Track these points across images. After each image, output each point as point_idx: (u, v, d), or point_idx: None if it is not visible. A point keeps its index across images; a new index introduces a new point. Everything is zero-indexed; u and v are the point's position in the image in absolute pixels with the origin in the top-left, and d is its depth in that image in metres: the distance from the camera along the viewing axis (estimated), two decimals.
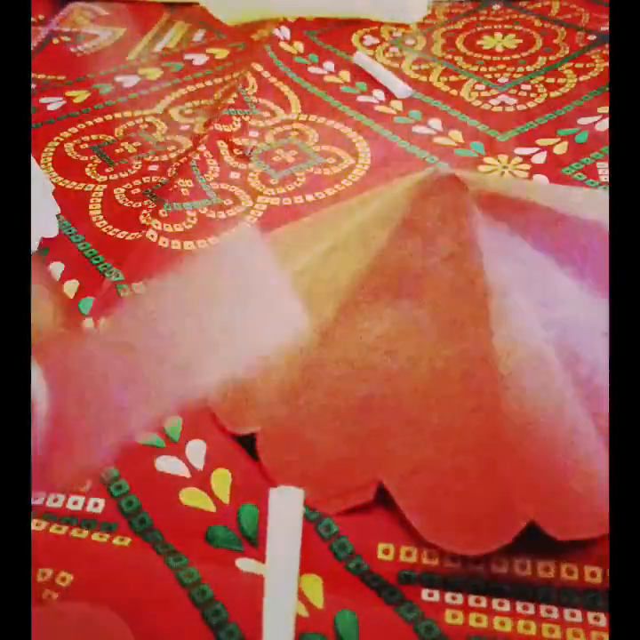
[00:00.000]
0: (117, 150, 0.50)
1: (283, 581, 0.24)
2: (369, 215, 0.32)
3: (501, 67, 0.55)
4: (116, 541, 0.27)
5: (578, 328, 0.29)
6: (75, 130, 0.52)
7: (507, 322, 0.28)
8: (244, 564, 0.26)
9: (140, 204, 0.44)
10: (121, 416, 0.14)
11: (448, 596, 0.25)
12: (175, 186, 0.45)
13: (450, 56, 0.57)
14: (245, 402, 0.31)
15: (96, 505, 0.29)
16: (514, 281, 0.29)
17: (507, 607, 0.25)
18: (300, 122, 0.51)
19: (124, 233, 0.42)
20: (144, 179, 0.47)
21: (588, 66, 0.54)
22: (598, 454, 0.27)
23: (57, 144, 0.51)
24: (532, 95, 0.51)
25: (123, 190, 0.46)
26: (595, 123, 0.48)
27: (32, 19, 0.68)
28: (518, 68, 0.55)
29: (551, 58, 0.56)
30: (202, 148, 0.48)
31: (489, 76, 0.54)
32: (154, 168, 0.48)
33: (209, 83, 0.57)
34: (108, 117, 0.54)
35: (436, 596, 0.25)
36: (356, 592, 0.26)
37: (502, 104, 0.51)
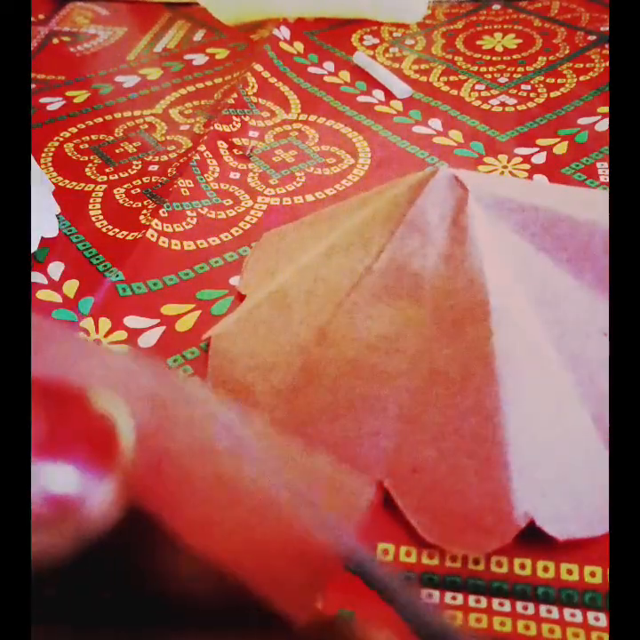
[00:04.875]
0: (117, 150, 0.50)
1: None
2: (369, 215, 0.32)
3: (501, 67, 0.55)
4: None
5: (578, 328, 0.29)
6: (75, 130, 0.52)
7: (507, 322, 0.28)
8: None
9: (139, 204, 0.44)
10: None
11: (448, 596, 0.25)
12: (175, 186, 0.45)
13: (450, 56, 0.57)
14: (245, 402, 0.31)
15: None
16: (514, 281, 0.29)
17: (507, 607, 0.25)
18: (300, 122, 0.51)
19: (124, 233, 0.42)
20: (144, 179, 0.47)
21: (587, 66, 0.54)
22: (598, 454, 0.27)
23: (57, 144, 0.51)
24: (532, 95, 0.52)
25: (123, 190, 0.46)
26: (595, 123, 0.48)
27: (32, 19, 0.68)
28: (518, 68, 0.55)
29: (551, 58, 0.56)
30: (202, 148, 0.48)
31: (489, 76, 0.54)
32: (154, 168, 0.48)
33: (209, 83, 0.57)
34: (108, 117, 0.54)
35: (436, 596, 0.25)
36: (356, 592, 0.26)
37: (502, 104, 0.51)
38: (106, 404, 0.11)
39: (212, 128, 0.49)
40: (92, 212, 0.44)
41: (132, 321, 0.37)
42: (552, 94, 0.51)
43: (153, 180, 0.47)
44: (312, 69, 0.57)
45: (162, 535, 0.11)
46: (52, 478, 0.10)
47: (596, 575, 0.25)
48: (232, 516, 0.11)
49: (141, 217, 0.43)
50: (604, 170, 0.44)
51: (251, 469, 0.12)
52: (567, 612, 0.25)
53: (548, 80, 0.53)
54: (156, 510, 0.11)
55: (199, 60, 0.61)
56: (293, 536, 0.12)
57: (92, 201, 0.45)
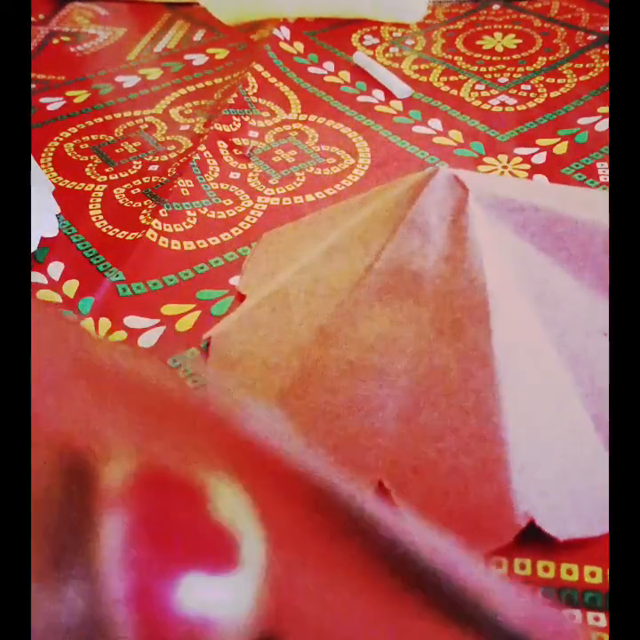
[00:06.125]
0: (117, 150, 0.50)
1: None
2: (369, 215, 0.32)
3: (501, 67, 0.55)
4: None
5: (578, 328, 0.29)
6: (75, 130, 0.52)
7: (507, 322, 0.28)
8: None
9: (140, 204, 0.44)
10: None
11: None
12: (175, 186, 0.45)
13: (450, 56, 0.57)
14: None
15: None
16: (514, 281, 0.29)
17: None
18: (300, 122, 0.51)
19: (124, 233, 0.42)
20: (144, 179, 0.47)
21: (587, 66, 0.54)
22: (598, 454, 0.27)
23: (57, 144, 0.51)
24: (532, 95, 0.52)
25: (123, 190, 0.46)
26: (595, 123, 0.48)
27: (32, 19, 0.68)
28: (518, 68, 0.55)
29: (551, 58, 0.56)
30: (202, 147, 0.48)
31: (489, 76, 0.54)
32: (154, 168, 0.48)
33: (209, 83, 0.57)
34: (108, 117, 0.54)
35: None
36: None
37: (502, 104, 0.51)
38: (229, 508, 0.09)
39: (212, 128, 0.49)
40: (92, 212, 0.44)
41: (132, 321, 0.37)
42: (552, 94, 0.51)
43: (153, 180, 0.47)
44: (312, 69, 0.57)
45: None
46: (166, 601, 0.08)
47: (595, 575, 0.25)
48: None
49: (141, 217, 0.43)
50: (604, 170, 0.44)
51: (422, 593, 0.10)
52: (567, 612, 0.25)
53: (548, 80, 0.53)
54: None
55: (199, 59, 0.61)
56: None
57: (92, 201, 0.45)
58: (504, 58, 0.56)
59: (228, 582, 0.09)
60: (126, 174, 0.47)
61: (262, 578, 0.09)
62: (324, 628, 0.10)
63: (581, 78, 0.53)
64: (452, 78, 0.54)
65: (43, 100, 0.56)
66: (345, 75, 0.56)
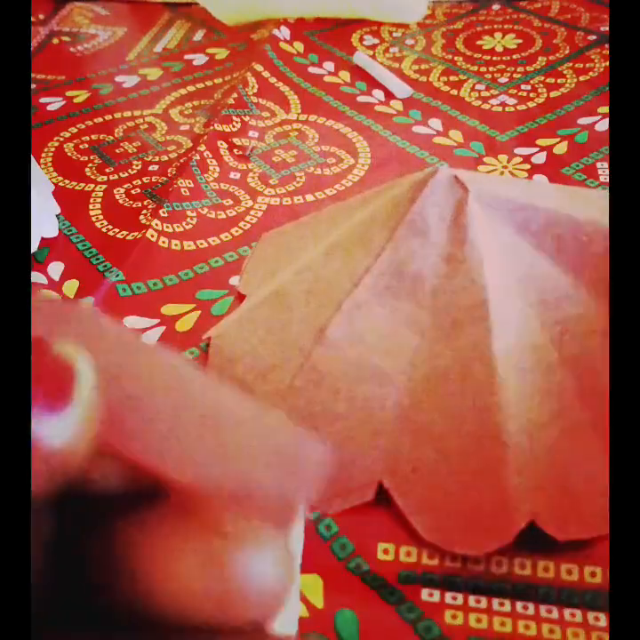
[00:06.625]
0: (117, 150, 0.50)
1: None
2: (369, 215, 0.33)
3: (501, 67, 0.55)
4: None
5: (578, 328, 0.29)
6: (75, 130, 0.52)
7: (507, 322, 0.28)
8: None
9: (140, 204, 0.44)
10: None
11: (448, 596, 0.25)
12: (175, 186, 0.45)
13: (450, 56, 0.57)
14: None
15: None
16: (514, 281, 0.29)
17: (507, 607, 0.25)
18: (299, 122, 0.51)
19: (124, 233, 0.42)
20: (144, 179, 0.47)
21: (587, 66, 0.54)
22: (598, 454, 0.27)
23: (57, 144, 0.51)
24: (531, 95, 0.52)
25: (123, 190, 0.46)
26: (595, 123, 0.48)
27: (32, 19, 0.68)
28: (518, 68, 0.55)
29: (551, 58, 0.56)
30: (202, 147, 0.48)
31: (489, 76, 0.54)
32: (154, 168, 0.48)
33: (209, 83, 0.57)
34: (108, 117, 0.54)
35: (436, 596, 0.25)
36: (356, 592, 0.26)
37: (502, 104, 0.51)
38: (64, 347, 0.11)
39: (212, 128, 0.49)
40: (92, 212, 0.44)
41: (132, 321, 0.37)
42: (552, 94, 0.51)
43: (153, 180, 0.47)
44: (312, 69, 0.57)
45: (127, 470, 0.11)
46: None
47: (596, 575, 0.25)
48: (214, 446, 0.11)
49: (141, 217, 0.43)
50: (603, 170, 0.44)
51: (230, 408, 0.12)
52: (567, 612, 0.25)
53: (547, 80, 0.53)
54: (121, 446, 0.11)
55: (199, 59, 0.61)
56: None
57: (92, 201, 0.45)
58: (504, 58, 0.56)
59: (60, 416, 0.10)
60: (126, 174, 0.47)
61: (94, 411, 0.10)
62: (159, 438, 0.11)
63: (581, 78, 0.53)
64: (452, 78, 0.54)
65: (43, 100, 0.56)
66: (345, 75, 0.56)
